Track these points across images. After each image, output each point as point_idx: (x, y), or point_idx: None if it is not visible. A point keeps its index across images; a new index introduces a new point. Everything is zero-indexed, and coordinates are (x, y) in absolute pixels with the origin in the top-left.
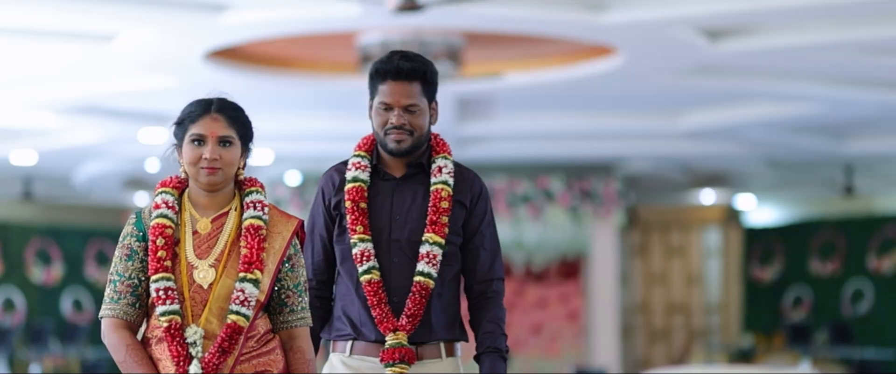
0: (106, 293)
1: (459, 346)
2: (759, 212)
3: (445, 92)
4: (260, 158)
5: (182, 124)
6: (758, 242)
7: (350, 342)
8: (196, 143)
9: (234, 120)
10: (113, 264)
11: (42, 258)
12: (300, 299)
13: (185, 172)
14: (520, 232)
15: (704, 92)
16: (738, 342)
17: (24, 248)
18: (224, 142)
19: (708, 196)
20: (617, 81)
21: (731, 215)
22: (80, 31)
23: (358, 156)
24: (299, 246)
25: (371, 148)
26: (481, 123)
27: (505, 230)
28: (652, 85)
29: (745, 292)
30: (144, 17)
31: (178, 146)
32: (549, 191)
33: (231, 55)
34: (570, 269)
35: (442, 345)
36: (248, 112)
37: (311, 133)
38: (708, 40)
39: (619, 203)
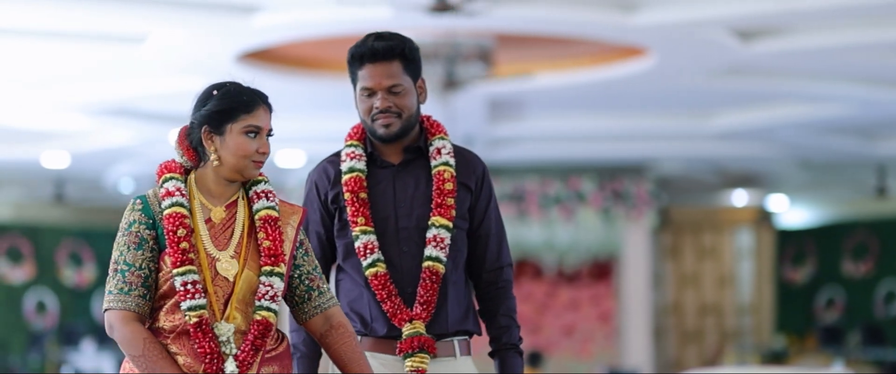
0: (111, 284)
1: (470, 342)
2: (792, 213)
3: (477, 93)
4: (292, 159)
5: (231, 112)
6: (790, 243)
7: (358, 338)
8: (251, 135)
9: (271, 110)
10: (118, 253)
11: (74, 260)
12: (322, 280)
13: (200, 158)
14: (552, 233)
15: (736, 93)
16: (770, 343)
17: (56, 250)
18: (270, 134)
19: (740, 197)
20: (648, 81)
21: (763, 217)
22: (112, 33)
23: (351, 146)
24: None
25: (362, 136)
26: (513, 124)
27: (537, 231)
28: (683, 86)
29: (778, 293)
30: (175, 19)
31: (214, 133)
32: (581, 192)
33: (262, 57)
34: (602, 270)
35: (456, 342)
36: (280, 113)
37: (342, 135)
38: (740, 41)
39: (651, 204)
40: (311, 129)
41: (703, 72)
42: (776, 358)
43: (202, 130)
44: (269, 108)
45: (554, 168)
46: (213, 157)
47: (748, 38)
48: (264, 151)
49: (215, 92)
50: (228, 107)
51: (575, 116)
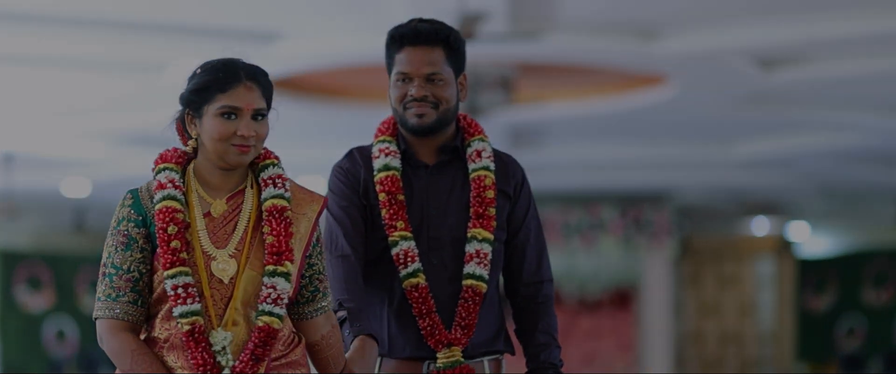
0: (100, 290)
1: (504, 362)
2: (813, 241)
3: (498, 122)
4: (313, 187)
5: (205, 91)
6: (811, 271)
7: (379, 359)
8: (227, 116)
9: (266, 88)
10: (106, 255)
11: (94, 288)
12: (326, 281)
13: (194, 145)
14: (573, 262)
15: (757, 122)
16: (791, 371)
17: (76, 278)
18: (258, 115)
19: (761, 226)
20: (669, 110)
21: (784, 245)
22: (132, 62)
23: (384, 141)
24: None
25: (394, 132)
26: (534, 152)
27: (558, 260)
28: (704, 114)
29: (799, 321)
30: (195, 48)
31: (194, 115)
32: (602, 221)
33: (284, 85)
34: (623, 299)
35: (485, 362)
36: (302, 142)
37: None
38: (761, 70)
39: (672, 233)
40: (333, 157)
41: (724, 101)
42: None
43: (185, 113)
44: (256, 84)
45: (575, 197)
46: (191, 142)
47: (769, 66)
48: (245, 133)
49: (199, 69)
50: (202, 85)
51: (596, 145)
